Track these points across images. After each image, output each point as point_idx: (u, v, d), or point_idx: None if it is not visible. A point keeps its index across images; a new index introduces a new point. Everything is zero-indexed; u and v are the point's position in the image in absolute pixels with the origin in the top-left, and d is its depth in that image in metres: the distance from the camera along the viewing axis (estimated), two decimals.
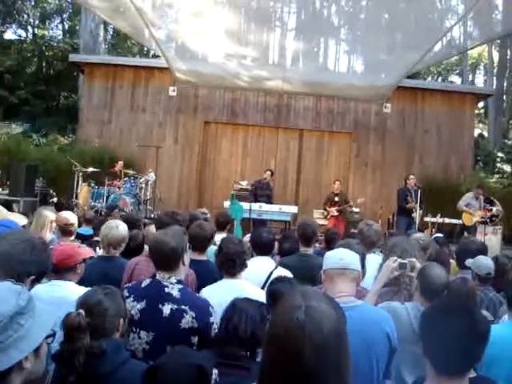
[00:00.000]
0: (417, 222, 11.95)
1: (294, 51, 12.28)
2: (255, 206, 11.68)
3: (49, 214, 5.42)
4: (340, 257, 2.94)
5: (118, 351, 2.50)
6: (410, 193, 12.22)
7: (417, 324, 3.00)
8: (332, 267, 2.93)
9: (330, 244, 6.06)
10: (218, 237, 5.09)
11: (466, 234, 12.11)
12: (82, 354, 2.34)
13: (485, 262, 4.93)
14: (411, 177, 12.50)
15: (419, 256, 4.02)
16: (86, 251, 3.83)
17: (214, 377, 2.27)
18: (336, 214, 13.25)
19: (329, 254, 3.07)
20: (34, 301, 1.74)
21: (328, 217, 13.22)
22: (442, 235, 9.02)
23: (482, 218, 12.31)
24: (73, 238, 5.39)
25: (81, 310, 2.48)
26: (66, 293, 3.27)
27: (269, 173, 13.40)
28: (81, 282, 3.59)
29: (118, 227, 4.55)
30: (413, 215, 12.04)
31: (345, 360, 1.49)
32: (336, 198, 13.50)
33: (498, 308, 4.40)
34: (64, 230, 5.35)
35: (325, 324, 1.45)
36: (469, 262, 5.11)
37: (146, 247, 4.59)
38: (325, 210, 13.53)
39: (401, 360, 3.06)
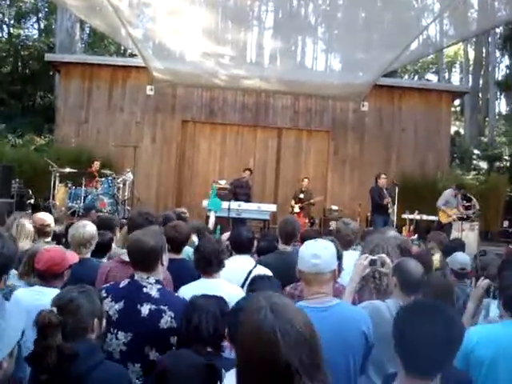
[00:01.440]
0: (394, 220, 12.05)
1: (272, 50, 12.31)
2: (234, 204, 11.64)
3: (29, 223, 5.44)
4: (313, 262, 2.79)
5: (91, 353, 2.47)
6: (382, 191, 12.29)
7: None
8: (305, 271, 2.84)
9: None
10: None
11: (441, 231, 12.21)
12: (54, 352, 2.31)
13: (460, 258, 4.99)
14: (382, 176, 12.49)
15: (393, 252, 4.06)
16: (72, 256, 3.79)
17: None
18: (298, 210, 13.71)
19: (302, 252, 2.90)
20: (4, 301, 1.72)
21: (292, 213, 13.43)
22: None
23: (460, 215, 12.46)
24: (49, 239, 5.35)
25: (53, 308, 2.46)
26: (50, 300, 3.19)
27: (248, 172, 13.46)
28: None
29: (85, 226, 4.57)
30: (389, 211, 12.13)
31: (318, 349, 1.53)
32: (301, 195, 14.02)
33: None
34: (40, 231, 5.32)
35: (293, 317, 1.50)
36: (448, 258, 5.20)
37: (120, 251, 4.56)
38: (290, 205, 14.02)
39: (385, 356, 3.05)
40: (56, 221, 6.08)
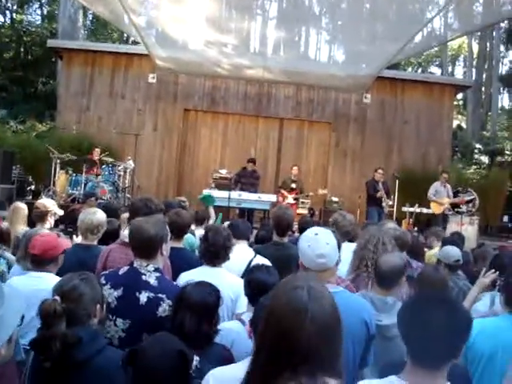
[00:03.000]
0: (387, 212, 12.25)
1: (275, 40, 12.26)
2: (234, 194, 11.58)
3: (24, 207, 5.59)
4: (319, 261, 2.74)
5: (94, 339, 2.49)
6: (378, 184, 12.38)
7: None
8: (311, 267, 2.79)
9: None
10: (198, 231, 5.15)
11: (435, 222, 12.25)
12: (59, 341, 2.33)
13: (452, 251, 5.04)
14: (379, 171, 12.60)
15: (392, 244, 4.14)
16: (65, 242, 3.84)
17: (194, 363, 2.26)
18: (293, 201, 12.95)
19: (304, 249, 2.82)
20: (3, 287, 1.72)
21: (284, 203, 12.53)
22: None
23: (454, 206, 12.54)
24: (48, 225, 5.36)
25: (56, 297, 2.47)
26: (47, 285, 3.11)
27: (251, 164, 13.11)
28: (57, 272, 3.56)
29: (95, 213, 4.57)
30: (383, 205, 12.21)
31: (340, 340, 1.60)
32: (293, 185, 13.25)
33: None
34: (41, 217, 5.33)
35: (326, 305, 1.56)
36: (437, 253, 5.26)
37: (121, 235, 4.57)
38: (281, 194, 13.13)
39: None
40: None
